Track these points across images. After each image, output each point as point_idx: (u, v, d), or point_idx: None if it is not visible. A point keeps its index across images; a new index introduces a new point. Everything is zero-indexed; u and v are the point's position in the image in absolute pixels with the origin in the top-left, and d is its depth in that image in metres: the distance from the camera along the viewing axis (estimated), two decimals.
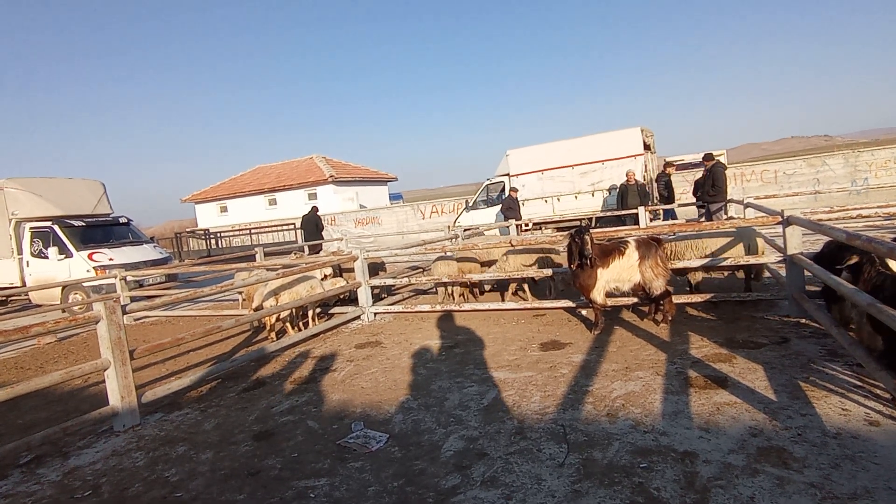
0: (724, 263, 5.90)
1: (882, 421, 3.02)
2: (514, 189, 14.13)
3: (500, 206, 15.67)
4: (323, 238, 15.76)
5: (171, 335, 5.63)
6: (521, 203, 15.38)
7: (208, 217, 31.90)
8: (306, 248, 14.83)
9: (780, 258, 5.53)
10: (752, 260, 6.39)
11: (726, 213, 10.83)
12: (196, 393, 5.08)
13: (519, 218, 13.76)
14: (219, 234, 25.59)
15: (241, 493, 3.13)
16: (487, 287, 8.45)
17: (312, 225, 15.32)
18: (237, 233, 25.69)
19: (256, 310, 6.72)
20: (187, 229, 30.26)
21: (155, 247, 13.16)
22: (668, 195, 12.77)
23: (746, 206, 9.22)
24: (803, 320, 5.06)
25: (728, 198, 10.78)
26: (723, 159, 21.33)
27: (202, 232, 26.61)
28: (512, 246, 6.70)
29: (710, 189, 10.56)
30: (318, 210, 15.79)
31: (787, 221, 5.26)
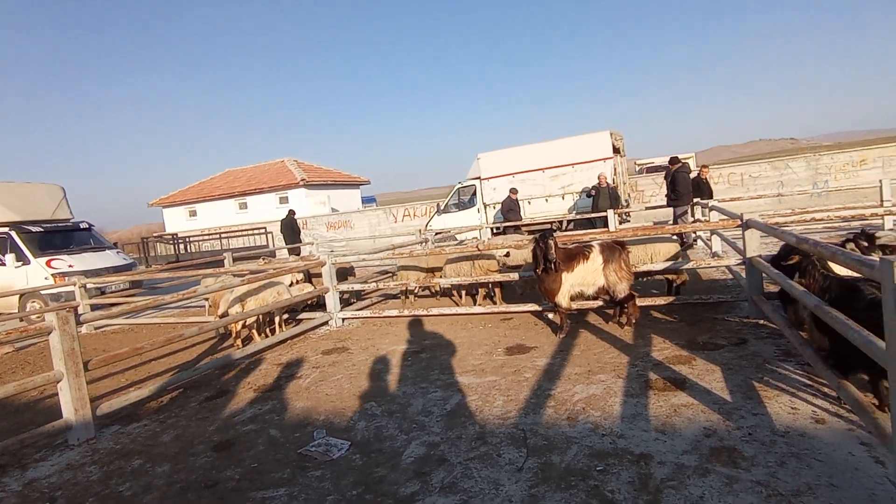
0: (687, 266, 6.05)
1: (828, 419, 3.13)
2: (513, 190, 13.81)
3: (471, 209, 15.74)
4: (301, 242, 15.84)
5: (131, 344, 5.47)
6: (493, 206, 15.46)
7: (177, 222, 31.18)
8: (277, 253, 14.65)
9: (740, 260, 5.68)
10: (713, 262, 6.56)
11: (692, 216, 11.08)
12: (156, 403, 4.95)
13: (520, 219, 13.68)
14: (187, 239, 25.02)
15: None
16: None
17: (289, 229, 15.48)
18: (207, 237, 25.16)
19: (222, 316, 6.59)
20: (154, 234, 29.51)
21: (118, 252, 12.79)
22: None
23: (711, 208, 9.45)
24: (762, 321, 5.20)
25: (693, 201, 11.01)
26: (692, 162, 21.89)
27: (170, 237, 25.97)
28: (478, 251, 6.73)
29: (672, 193, 10.76)
30: (295, 214, 15.86)
31: (746, 225, 5.41)
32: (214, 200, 30.10)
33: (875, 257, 2.32)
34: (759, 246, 5.38)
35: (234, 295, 6.66)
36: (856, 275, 3.59)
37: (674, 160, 11.17)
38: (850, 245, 4.26)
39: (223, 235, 24.22)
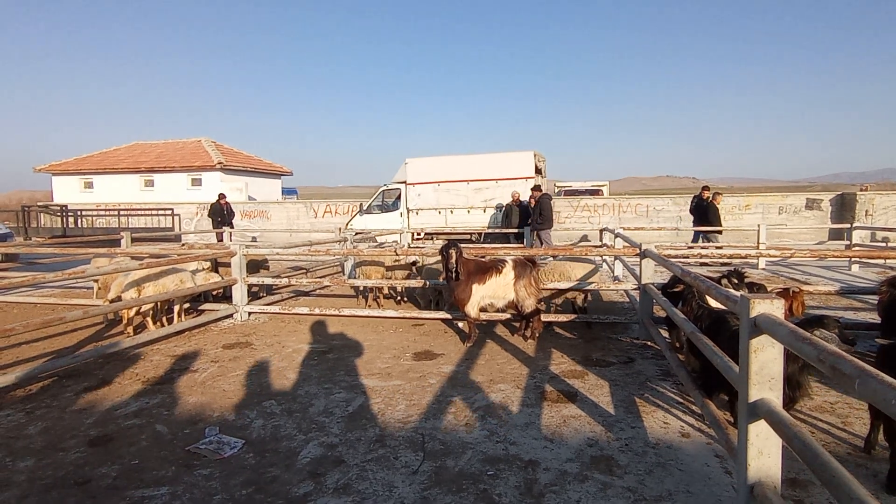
0: (589, 288, 6.48)
1: (692, 433, 3.51)
2: (516, 193, 14.00)
3: (395, 212, 15.75)
4: (233, 227, 15.46)
5: None
6: (416, 211, 15.58)
7: (68, 192, 28.21)
8: (183, 237, 13.78)
9: (636, 286, 6.17)
10: (612, 286, 7.07)
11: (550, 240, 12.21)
12: (23, 392, 4.48)
13: (518, 225, 13.69)
14: (79, 213, 22.70)
15: None
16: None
17: (221, 214, 15.29)
18: (103, 213, 22.99)
19: (113, 301, 6.10)
20: (39, 203, 26.51)
21: None
22: (702, 218, 12.78)
23: (616, 235, 10.17)
24: (649, 343, 5.69)
25: (553, 226, 12.27)
26: (605, 190, 23.37)
27: (58, 208, 23.43)
28: (397, 254, 6.78)
29: (538, 218, 11.81)
30: (225, 198, 15.69)
31: (643, 254, 5.90)
32: (116, 174, 27.62)
33: (738, 293, 2.66)
34: (653, 274, 5.87)
35: (131, 279, 6.19)
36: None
37: (536, 188, 12.39)
38: (725, 281, 4.79)
39: (122, 213, 22.24)
